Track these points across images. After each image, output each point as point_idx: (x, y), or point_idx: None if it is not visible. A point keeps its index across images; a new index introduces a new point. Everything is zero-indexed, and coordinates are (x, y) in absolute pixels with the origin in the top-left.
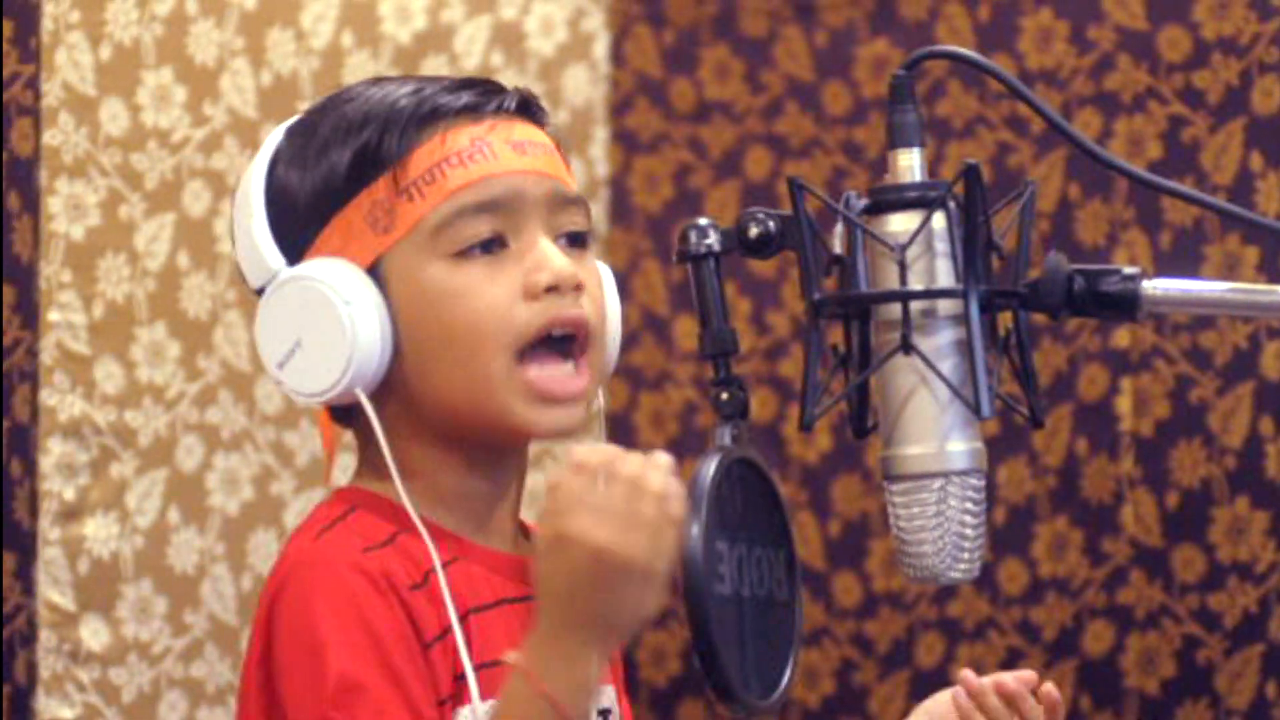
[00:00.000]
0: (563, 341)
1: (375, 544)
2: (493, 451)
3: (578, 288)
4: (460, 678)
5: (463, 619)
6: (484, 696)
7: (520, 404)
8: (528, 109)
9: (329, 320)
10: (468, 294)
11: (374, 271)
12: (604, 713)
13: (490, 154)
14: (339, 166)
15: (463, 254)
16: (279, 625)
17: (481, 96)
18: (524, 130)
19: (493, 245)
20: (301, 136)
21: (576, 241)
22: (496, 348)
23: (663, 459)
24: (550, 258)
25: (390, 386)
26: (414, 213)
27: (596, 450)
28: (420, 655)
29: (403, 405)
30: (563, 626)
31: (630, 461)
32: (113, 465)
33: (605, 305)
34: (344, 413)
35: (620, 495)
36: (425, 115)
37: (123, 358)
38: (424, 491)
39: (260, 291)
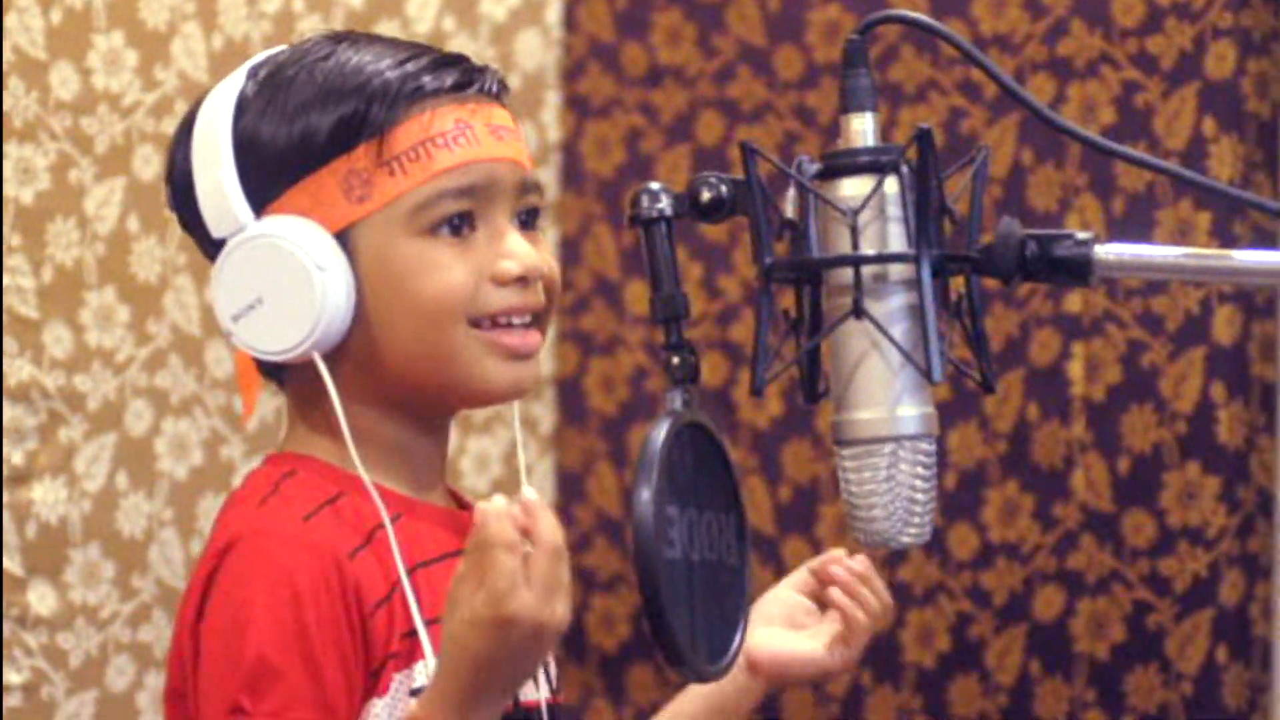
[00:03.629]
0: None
1: (314, 509)
2: (436, 414)
3: (540, 277)
4: (411, 634)
5: (411, 572)
6: (436, 650)
7: (483, 362)
8: (500, 90)
9: (299, 284)
10: (437, 271)
11: (341, 238)
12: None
13: (473, 138)
14: (319, 130)
15: (433, 232)
16: (215, 593)
17: (464, 76)
18: (500, 114)
19: (461, 226)
20: (274, 89)
21: (529, 220)
22: (457, 319)
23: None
24: (519, 248)
25: (344, 350)
26: (394, 188)
27: (503, 517)
28: (356, 632)
29: (355, 368)
30: (475, 690)
31: (545, 524)
32: (61, 430)
33: (557, 285)
34: (276, 368)
35: (547, 568)
36: (412, 91)
37: (72, 322)
38: (367, 451)
39: (218, 243)
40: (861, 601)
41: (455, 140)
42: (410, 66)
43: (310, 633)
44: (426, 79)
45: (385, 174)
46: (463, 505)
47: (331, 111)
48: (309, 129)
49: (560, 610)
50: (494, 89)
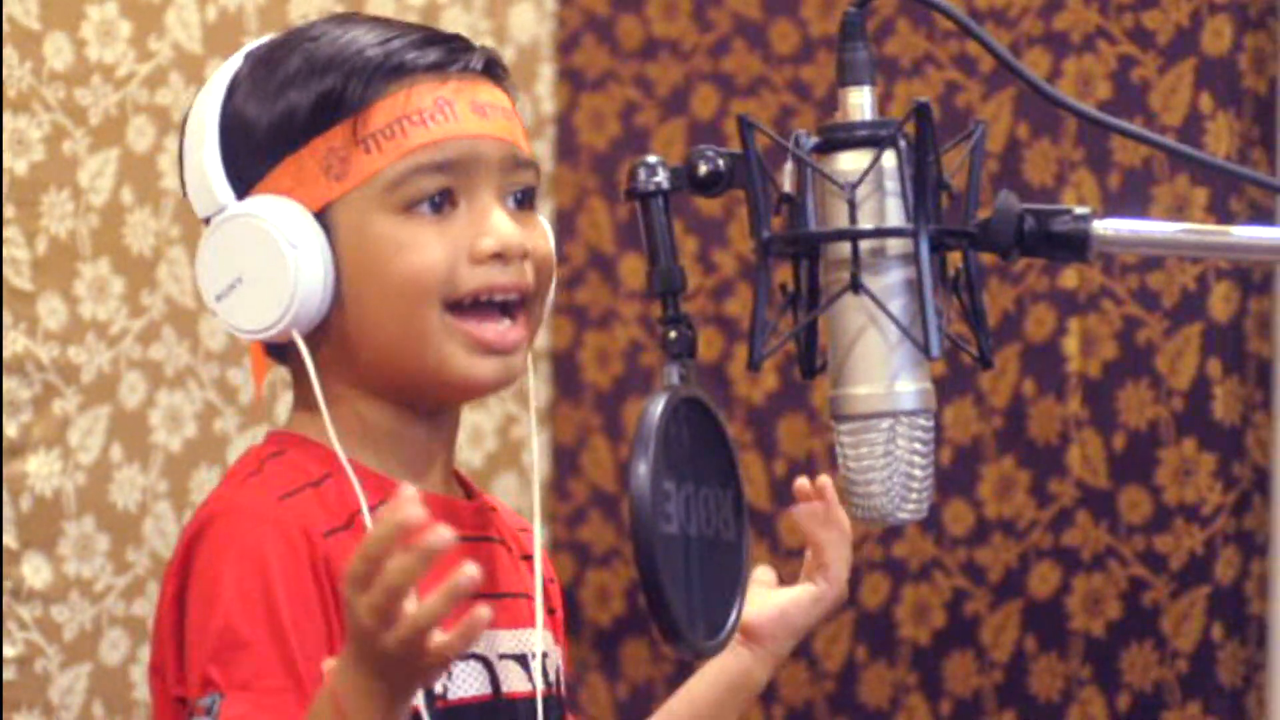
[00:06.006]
0: (501, 305)
1: (296, 489)
2: (421, 402)
3: (524, 255)
4: None
5: None
6: None
7: (459, 354)
8: (490, 69)
9: (273, 261)
10: (412, 248)
11: (322, 216)
12: (521, 658)
13: (451, 115)
14: (299, 108)
15: (411, 210)
16: (192, 572)
17: (448, 55)
18: (486, 92)
19: (442, 204)
20: (264, 69)
21: (524, 200)
22: (432, 301)
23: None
24: (498, 225)
25: (328, 330)
26: (370, 165)
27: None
28: (329, 608)
29: (339, 350)
30: (354, 659)
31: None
32: (55, 402)
33: (550, 268)
34: (280, 349)
35: (377, 594)
36: (391, 69)
37: (66, 294)
38: (356, 434)
39: (206, 220)
40: (829, 518)
41: (432, 117)
42: (395, 44)
43: (278, 604)
44: (406, 56)
45: (361, 151)
46: (471, 494)
47: (312, 89)
48: (290, 107)
49: (389, 637)
50: (478, 66)
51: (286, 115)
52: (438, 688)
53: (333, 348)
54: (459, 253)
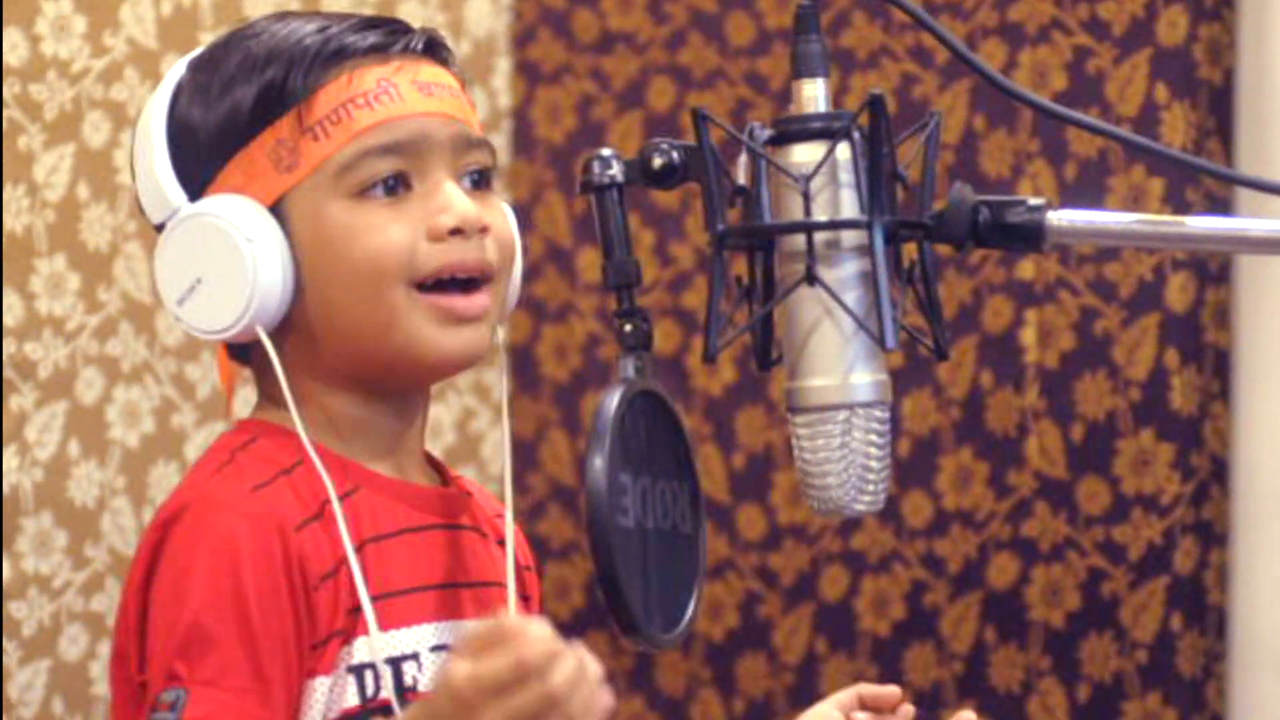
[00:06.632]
0: (465, 283)
1: (269, 478)
2: (395, 387)
3: (483, 230)
4: (356, 610)
5: (360, 548)
6: (382, 626)
7: (425, 327)
8: (434, 50)
9: (231, 258)
10: (369, 232)
11: (276, 210)
12: None
13: (396, 95)
14: (243, 104)
15: (364, 193)
16: (161, 560)
17: (388, 36)
18: (430, 71)
19: (396, 187)
20: (205, 72)
21: (480, 182)
22: (396, 281)
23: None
24: (455, 200)
25: (292, 323)
26: (318, 152)
27: (537, 642)
28: (300, 605)
29: (304, 341)
30: None
31: (559, 669)
32: (12, 398)
33: (512, 245)
34: (241, 350)
35: (533, 705)
36: (331, 54)
37: (22, 289)
38: (324, 423)
39: (160, 227)
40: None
41: (376, 98)
42: (333, 30)
43: (248, 602)
44: (346, 40)
45: (310, 140)
46: (445, 479)
47: (254, 83)
48: (234, 105)
49: None
50: (418, 46)
51: (231, 113)
52: (408, 679)
53: (297, 341)
54: (417, 233)
